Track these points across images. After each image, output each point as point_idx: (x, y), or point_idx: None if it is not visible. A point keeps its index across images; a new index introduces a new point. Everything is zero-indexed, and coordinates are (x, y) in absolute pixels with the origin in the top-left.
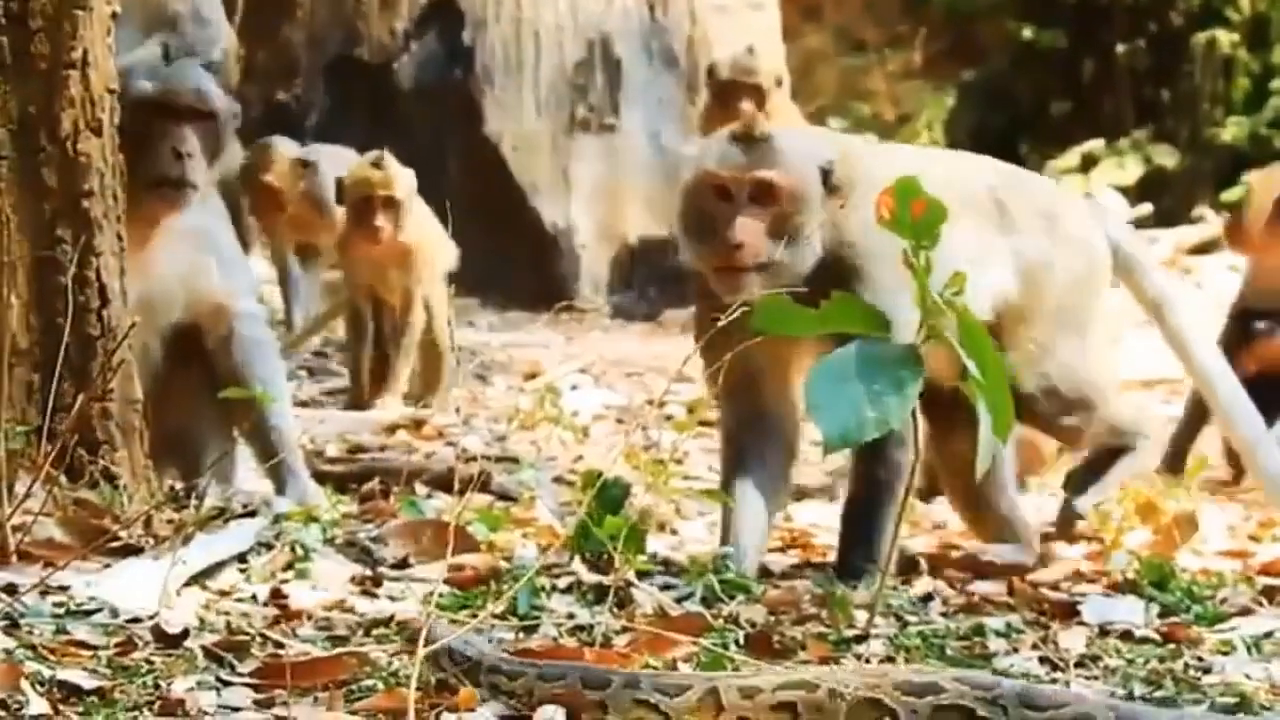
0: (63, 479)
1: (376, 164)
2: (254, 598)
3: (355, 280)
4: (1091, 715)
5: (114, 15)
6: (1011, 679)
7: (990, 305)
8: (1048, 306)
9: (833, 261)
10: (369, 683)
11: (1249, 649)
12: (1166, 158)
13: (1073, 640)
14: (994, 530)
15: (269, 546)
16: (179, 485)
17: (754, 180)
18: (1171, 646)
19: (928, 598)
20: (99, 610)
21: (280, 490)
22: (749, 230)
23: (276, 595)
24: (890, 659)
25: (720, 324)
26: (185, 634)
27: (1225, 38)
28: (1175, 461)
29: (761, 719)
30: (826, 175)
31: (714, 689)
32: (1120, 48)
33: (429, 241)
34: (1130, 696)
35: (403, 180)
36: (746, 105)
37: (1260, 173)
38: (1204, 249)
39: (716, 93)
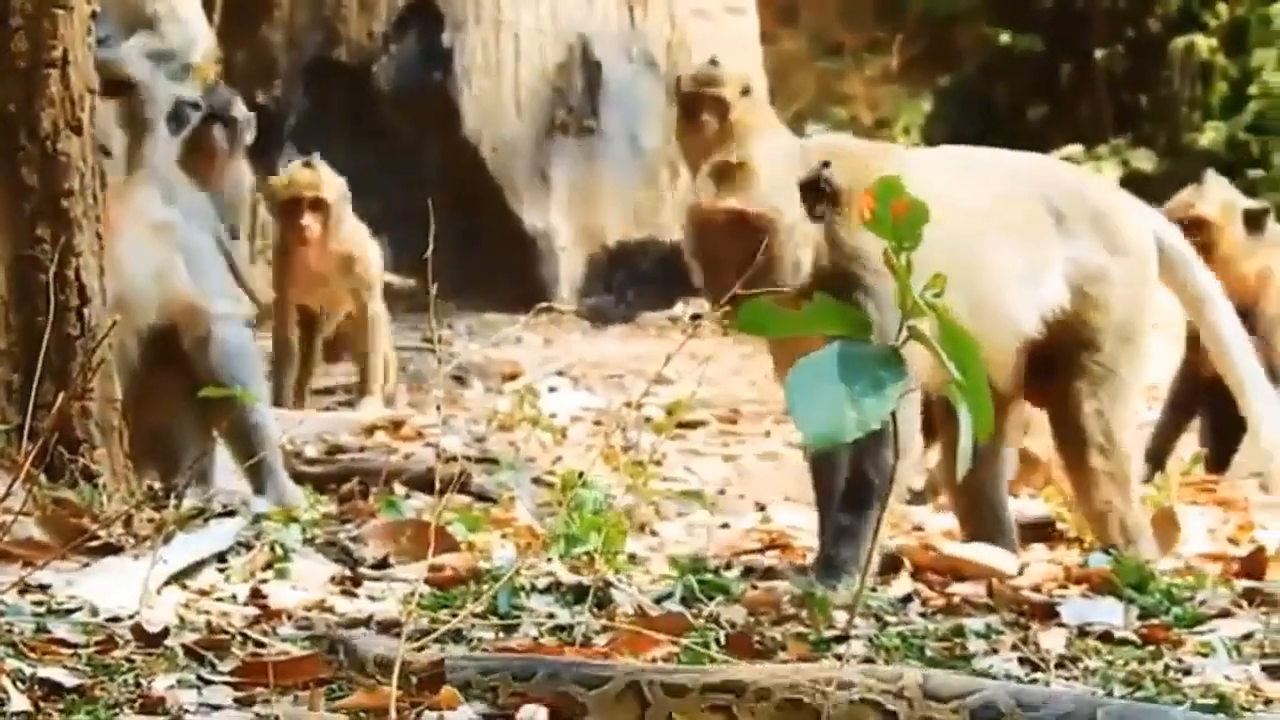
0: (42, 478)
1: (307, 164)
2: (234, 597)
3: (289, 294)
4: (993, 701)
5: (94, 15)
6: (915, 670)
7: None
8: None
9: (831, 270)
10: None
11: (1229, 651)
12: (1144, 162)
13: (1052, 641)
14: (985, 532)
15: (249, 546)
16: (158, 485)
17: (726, 212)
18: (1151, 648)
19: (907, 599)
20: (79, 609)
21: (259, 490)
22: (732, 254)
23: (256, 595)
24: (870, 660)
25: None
26: (165, 633)
27: (1203, 43)
28: (1155, 465)
29: (689, 716)
30: (807, 189)
31: (635, 683)
32: (1098, 53)
33: (369, 247)
34: (1110, 697)
35: (332, 184)
36: (707, 117)
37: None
38: None
39: (681, 104)
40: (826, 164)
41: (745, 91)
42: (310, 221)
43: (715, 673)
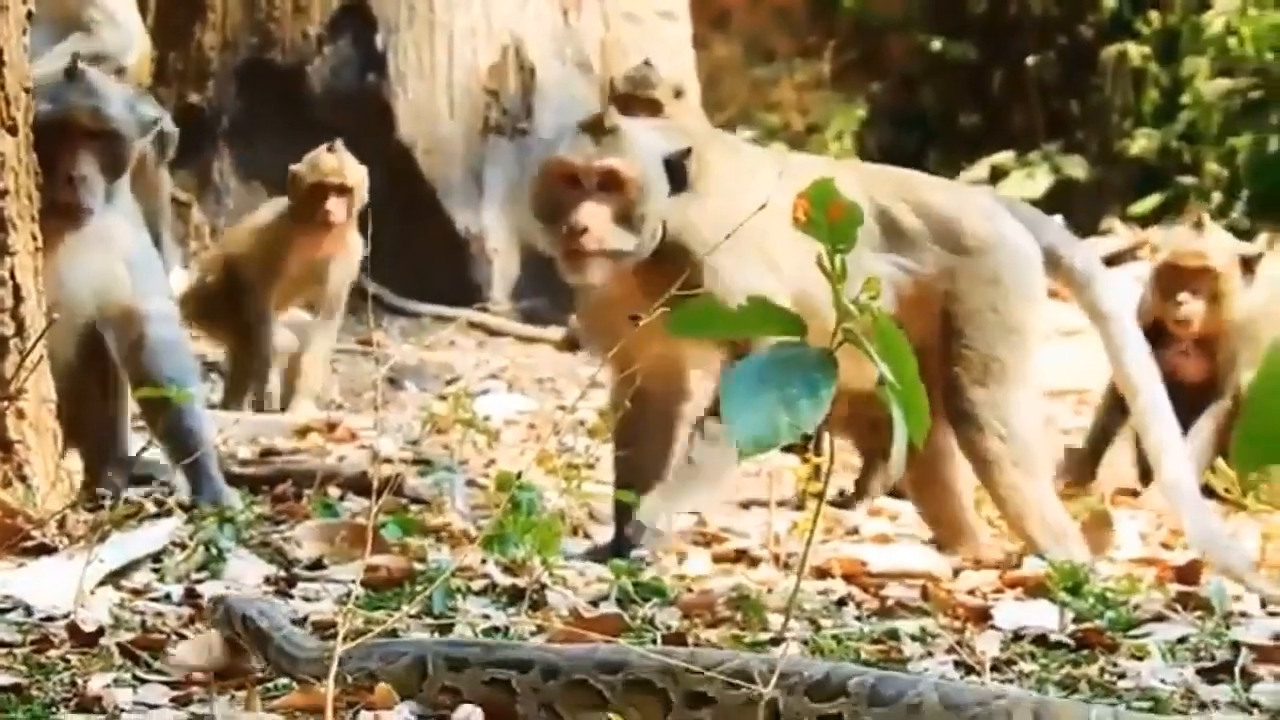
0: None
1: (330, 150)
2: (168, 597)
3: (285, 278)
4: (746, 670)
5: (29, 15)
6: (687, 649)
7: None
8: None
9: (674, 246)
10: (285, 681)
11: (1163, 655)
12: (1076, 169)
13: (987, 644)
14: (952, 532)
15: (183, 546)
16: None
17: (601, 169)
18: (1086, 651)
19: (842, 601)
20: (14, 609)
21: (195, 491)
22: (594, 215)
23: (191, 595)
24: None
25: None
26: (101, 632)
27: (1135, 51)
28: (1086, 471)
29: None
30: (671, 166)
31: (421, 659)
32: (1030, 60)
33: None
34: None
35: (355, 171)
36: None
37: None
38: (1113, 261)
39: (614, 106)
40: (689, 150)
41: (678, 94)
42: (335, 208)
43: (501, 648)
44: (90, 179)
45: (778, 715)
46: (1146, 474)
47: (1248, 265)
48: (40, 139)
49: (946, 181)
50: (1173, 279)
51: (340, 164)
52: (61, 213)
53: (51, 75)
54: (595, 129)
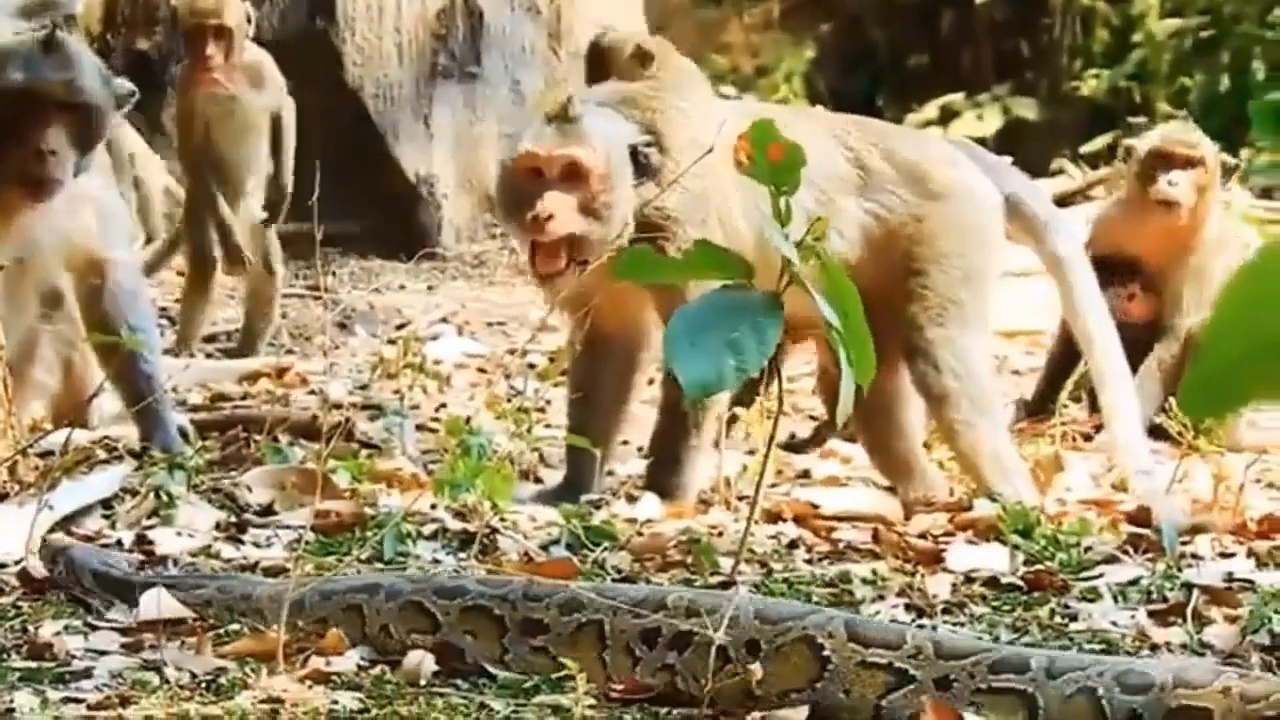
0: None
1: None
2: (119, 543)
3: (197, 125)
4: (578, 599)
5: None
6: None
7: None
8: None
9: (643, 230)
10: (236, 626)
11: (1115, 597)
12: (1026, 110)
13: (938, 587)
14: (902, 474)
15: (134, 493)
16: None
17: (563, 158)
18: (1037, 594)
19: (793, 545)
20: None
21: (147, 437)
22: (558, 204)
23: (142, 541)
24: None
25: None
26: (51, 579)
27: None
28: (1039, 410)
29: (336, 619)
30: (636, 154)
31: (300, 597)
32: (979, 0)
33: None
34: (996, 641)
35: (235, 8)
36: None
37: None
38: (1063, 201)
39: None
40: (652, 137)
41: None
42: (214, 51)
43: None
44: (61, 153)
45: (604, 635)
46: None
47: (1227, 173)
48: (11, 107)
49: (910, 129)
50: (1162, 164)
51: (218, 3)
52: (30, 184)
53: (22, 44)
54: (558, 118)
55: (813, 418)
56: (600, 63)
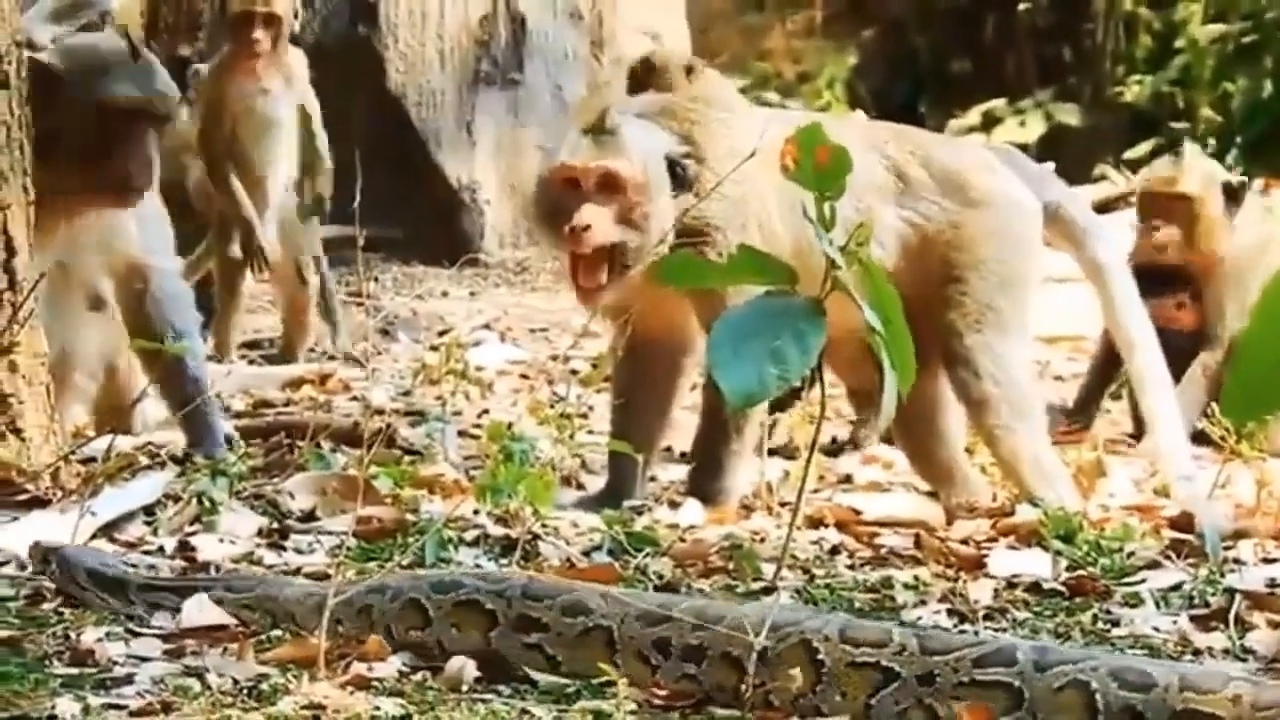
0: None
1: None
2: (162, 550)
3: (229, 117)
4: (584, 602)
5: None
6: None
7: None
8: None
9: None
10: (278, 633)
11: (1157, 602)
12: (1068, 116)
13: (981, 593)
14: (944, 479)
15: (176, 499)
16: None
17: (599, 170)
18: (1079, 599)
19: (835, 550)
20: (7, 562)
21: (194, 443)
22: (595, 215)
23: (184, 547)
24: None
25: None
26: None
27: None
28: (1081, 417)
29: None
30: (673, 165)
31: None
32: (1022, 5)
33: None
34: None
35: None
36: None
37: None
38: (1105, 207)
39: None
40: (689, 148)
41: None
42: (261, 36)
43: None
44: (155, 163)
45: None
46: (1141, 421)
47: (1233, 195)
48: (116, 119)
49: (948, 137)
50: (1149, 207)
51: None
52: (128, 192)
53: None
54: (594, 130)
55: (851, 422)
56: (645, 76)
